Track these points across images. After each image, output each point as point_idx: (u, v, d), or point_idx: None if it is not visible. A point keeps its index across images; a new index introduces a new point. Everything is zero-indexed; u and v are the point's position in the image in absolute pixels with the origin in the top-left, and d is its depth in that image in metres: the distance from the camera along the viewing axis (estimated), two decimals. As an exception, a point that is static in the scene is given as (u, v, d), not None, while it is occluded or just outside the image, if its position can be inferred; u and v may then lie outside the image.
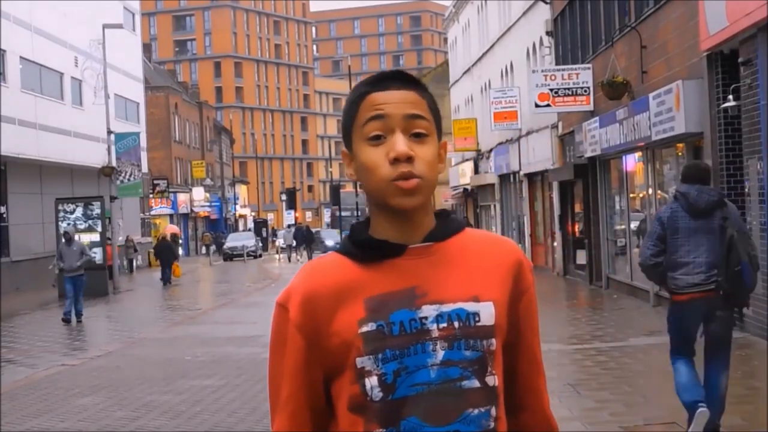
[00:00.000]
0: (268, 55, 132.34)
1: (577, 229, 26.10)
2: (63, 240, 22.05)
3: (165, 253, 35.47)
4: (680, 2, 15.55)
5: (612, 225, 22.45)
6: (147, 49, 72.47)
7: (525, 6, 31.27)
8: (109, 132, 34.80)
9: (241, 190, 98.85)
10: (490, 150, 38.05)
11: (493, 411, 1.95)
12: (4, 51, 33.27)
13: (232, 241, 59.60)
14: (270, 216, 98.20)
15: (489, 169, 39.00)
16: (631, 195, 20.62)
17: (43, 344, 17.76)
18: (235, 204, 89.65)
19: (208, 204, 76.02)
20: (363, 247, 1.99)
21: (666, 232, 7.23)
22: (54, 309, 26.19)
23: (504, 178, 37.21)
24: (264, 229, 75.89)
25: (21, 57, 34.78)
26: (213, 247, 60.67)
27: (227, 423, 9.47)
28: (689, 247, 7.15)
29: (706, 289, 7.09)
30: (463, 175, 46.06)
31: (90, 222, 30.49)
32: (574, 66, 23.43)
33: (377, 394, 1.91)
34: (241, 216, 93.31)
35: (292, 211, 72.47)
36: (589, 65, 22.60)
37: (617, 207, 21.98)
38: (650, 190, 18.49)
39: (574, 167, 24.00)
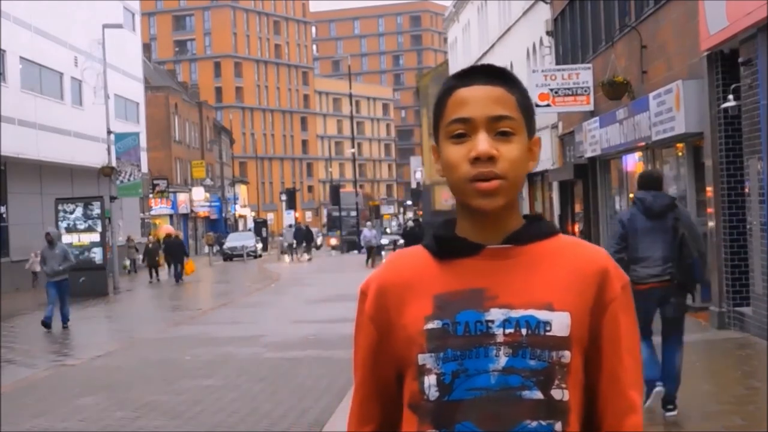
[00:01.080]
0: (268, 55, 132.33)
1: (577, 229, 26.10)
2: (45, 242, 20.08)
3: (176, 251, 36.69)
4: (680, 2, 15.54)
5: (612, 225, 22.42)
6: (147, 49, 72.49)
7: (525, 6, 31.28)
8: (109, 132, 34.80)
9: (241, 190, 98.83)
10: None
11: (558, 426, 1.85)
12: (4, 51, 33.27)
13: (232, 241, 59.61)
14: (270, 216, 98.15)
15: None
16: (631, 195, 20.60)
17: (43, 344, 17.76)
18: (235, 204, 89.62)
19: (207, 204, 76.00)
20: (441, 243, 1.95)
21: (627, 231, 8.23)
22: (54, 309, 26.16)
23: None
24: (264, 229, 75.86)
25: (21, 57, 34.79)
26: (216, 247, 60.72)
27: (227, 423, 9.47)
28: (647, 244, 8.14)
29: (662, 279, 8.14)
30: (463, 175, 46.02)
31: (90, 222, 30.49)
32: (574, 66, 23.43)
33: (434, 393, 1.87)
34: (240, 216, 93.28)
35: (292, 211, 72.41)
36: (589, 65, 22.60)
37: (617, 207, 21.97)
38: (650, 190, 18.46)
39: (574, 167, 24.00)
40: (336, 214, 70.53)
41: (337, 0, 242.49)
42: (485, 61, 41.54)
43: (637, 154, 19.39)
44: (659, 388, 8.14)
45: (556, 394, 1.86)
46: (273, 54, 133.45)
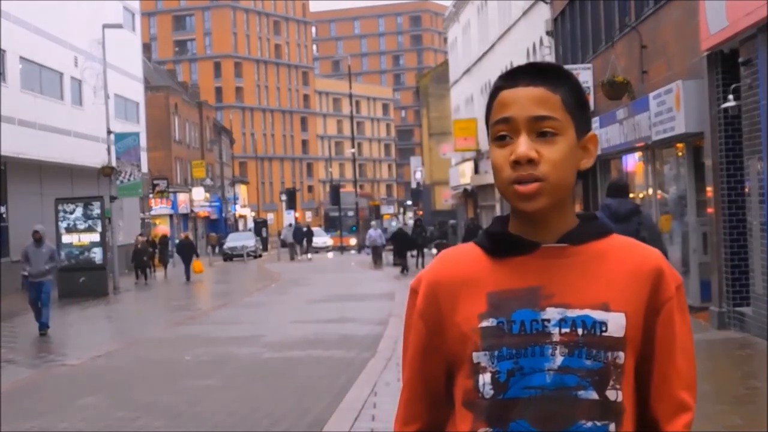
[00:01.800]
0: (268, 55, 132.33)
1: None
2: (32, 240, 19.01)
3: (186, 252, 37.78)
4: (680, 2, 15.54)
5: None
6: (147, 49, 72.48)
7: (525, 6, 31.28)
8: (109, 132, 34.80)
9: (241, 190, 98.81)
10: (490, 150, 38.03)
11: (612, 427, 1.85)
12: (4, 51, 33.27)
13: (232, 241, 59.63)
14: (270, 216, 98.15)
15: (489, 169, 38.97)
16: (631, 195, 20.60)
17: (43, 344, 17.76)
18: (235, 204, 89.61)
19: (207, 204, 75.99)
20: (495, 240, 1.94)
21: None
22: (54, 309, 26.17)
23: (504, 178, 37.15)
24: (264, 229, 75.88)
25: (21, 57, 34.78)
26: (218, 247, 60.84)
27: (227, 423, 9.47)
28: None
29: None
30: (463, 175, 46.06)
31: (90, 222, 30.50)
32: (574, 66, 23.42)
33: (488, 391, 1.87)
34: (241, 216, 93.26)
35: (292, 211, 72.39)
36: (589, 65, 22.59)
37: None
38: (650, 190, 18.49)
39: (574, 167, 23.98)
40: (334, 214, 70.46)
41: (337, 0, 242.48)
42: (486, 60, 41.57)
43: (637, 154, 19.39)
44: None
45: (611, 394, 1.86)
46: (273, 54, 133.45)
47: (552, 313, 1.86)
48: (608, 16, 21.31)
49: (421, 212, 76.54)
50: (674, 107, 15.12)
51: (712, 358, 12.14)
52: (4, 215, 32.99)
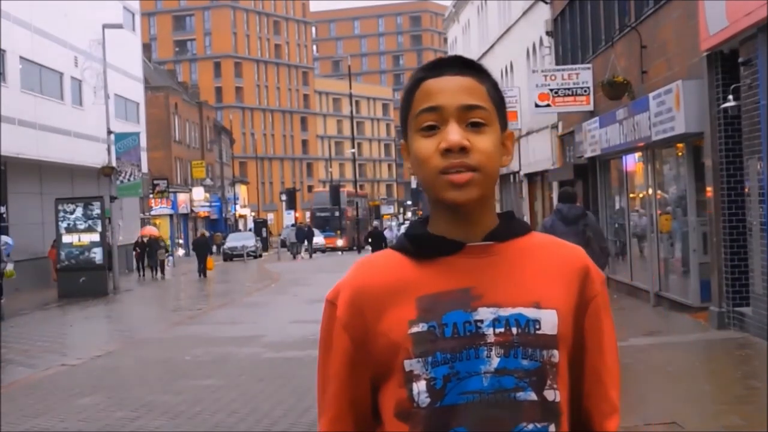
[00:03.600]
0: (268, 55, 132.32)
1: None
2: None
3: (201, 249, 39.72)
4: (680, 2, 15.54)
5: (612, 225, 22.45)
6: (147, 49, 72.46)
7: (525, 6, 31.28)
8: (109, 132, 34.79)
9: (241, 190, 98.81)
10: (490, 150, 38.03)
11: (552, 428, 1.80)
12: (4, 51, 33.26)
13: (232, 241, 59.65)
14: (270, 216, 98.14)
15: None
16: (631, 195, 20.62)
17: (43, 344, 17.76)
18: (235, 204, 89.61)
19: (208, 204, 75.99)
20: (418, 242, 1.86)
21: (548, 234, 10.97)
22: (54, 309, 26.20)
23: (504, 178, 37.21)
24: (264, 229, 75.88)
25: (21, 57, 34.78)
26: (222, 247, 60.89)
27: (227, 423, 9.47)
28: None
29: None
30: (463, 175, 46.06)
31: (90, 222, 30.50)
32: (574, 66, 23.43)
33: (424, 399, 1.78)
34: (241, 216, 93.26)
35: (292, 212, 72.40)
36: (589, 65, 22.60)
37: (617, 207, 21.98)
38: (650, 190, 18.49)
39: (574, 167, 24.00)
40: (321, 214, 69.76)
41: (337, 0, 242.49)
42: (486, 60, 41.59)
43: (637, 154, 19.39)
44: None
45: (549, 394, 1.80)
46: (273, 54, 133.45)
47: (485, 314, 1.80)
48: (608, 16, 21.31)
49: (420, 212, 76.54)
50: (674, 107, 15.12)
51: (712, 358, 12.15)
52: (4, 215, 32.98)
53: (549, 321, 1.81)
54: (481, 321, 1.80)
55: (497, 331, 1.79)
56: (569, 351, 1.86)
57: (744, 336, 12.93)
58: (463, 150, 1.79)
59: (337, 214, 69.03)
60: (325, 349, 1.90)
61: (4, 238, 30.45)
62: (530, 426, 1.78)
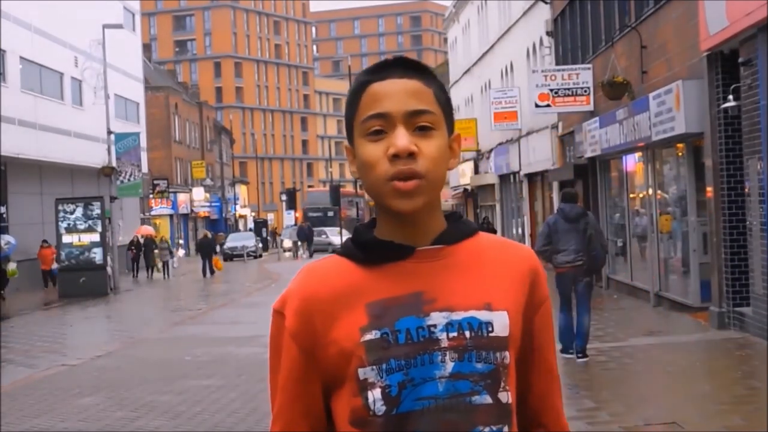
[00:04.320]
0: (268, 55, 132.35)
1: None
2: None
3: (205, 249, 40.37)
4: (680, 2, 15.55)
5: (612, 225, 22.45)
6: (147, 49, 72.48)
7: (525, 6, 31.28)
8: (109, 132, 34.80)
9: (241, 190, 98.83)
10: (490, 150, 38.07)
11: (506, 429, 1.80)
12: (4, 51, 33.27)
13: (232, 242, 59.67)
14: (270, 216, 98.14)
15: (489, 169, 39.01)
16: (631, 195, 20.62)
17: (43, 344, 17.77)
18: (235, 204, 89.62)
19: (208, 204, 75.99)
20: (366, 248, 1.83)
21: (551, 232, 11.73)
22: (54, 309, 26.20)
23: (504, 178, 37.21)
24: (264, 229, 75.86)
25: (21, 57, 34.79)
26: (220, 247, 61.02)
27: (227, 423, 9.47)
28: (565, 240, 11.67)
29: (575, 264, 11.72)
30: (463, 175, 46.08)
31: (90, 222, 30.50)
32: (574, 66, 23.43)
33: (380, 407, 1.76)
34: (241, 216, 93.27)
35: (292, 212, 72.35)
36: (589, 65, 22.60)
37: (617, 207, 21.98)
38: (650, 190, 18.49)
39: (574, 167, 24.00)
40: (313, 214, 69.15)
41: (337, 0, 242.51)
42: (486, 60, 41.59)
43: (637, 155, 19.39)
44: (570, 356, 11.85)
45: (503, 396, 1.80)
46: (273, 54, 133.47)
47: (437, 318, 1.78)
48: (608, 16, 21.31)
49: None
50: (674, 107, 15.12)
51: (712, 358, 12.15)
52: (4, 215, 32.99)
53: (501, 323, 1.81)
54: (434, 326, 1.77)
55: (451, 335, 1.77)
56: (518, 351, 1.86)
57: (744, 336, 12.93)
58: (411, 155, 1.76)
59: (330, 213, 68.57)
60: (274, 359, 1.87)
61: (7, 237, 30.51)
62: (486, 429, 1.78)
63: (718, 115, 13.78)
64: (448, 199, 53.11)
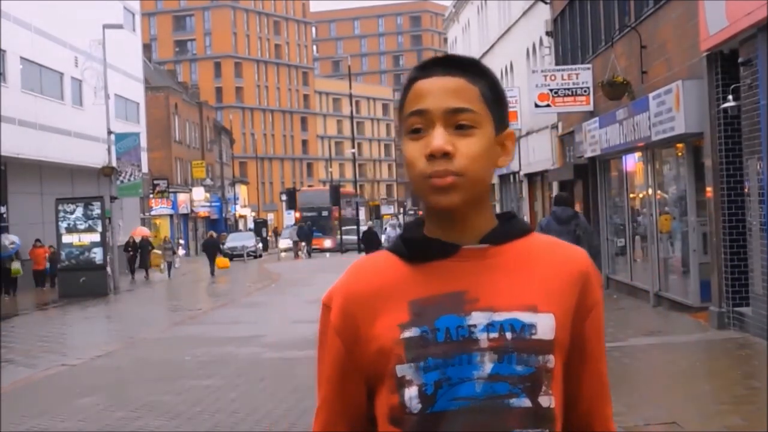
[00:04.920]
0: (268, 55, 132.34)
1: (577, 229, 26.04)
2: None
3: (210, 249, 41.46)
4: (680, 2, 15.54)
5: (612, 225, 22.45)
6: (147, 49, 72.46)
7: (525, 6, 31.28)
8: (109, 132, 34.81)
9: (241, 190, 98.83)
10: (490, 150, 38.02)
11: None
12: (4, 51, 33.28)
13: (232, 241, 59.68)
14: (270, 216, 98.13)
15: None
16: (631, 195, 20.62)
17: (43, 344, 17.77)
18: (235, 204, 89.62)
19: (208, 204, 75.99)
20: (412, 245, 1.83)
21: (543, 233, 12.47)
22: (54, 309, 26.20)
23: (504, 178, 37.22)
24: (264, 229, 75.84)
25: (21, 57, 34.80)
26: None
27: (227, 423, 9.47)
28: None
29: None
30: (463, 175, 46.05)
31: (90, 222, 30.50)
32: (574, 66, 23.42)
33: (416, 405, 1.75)
34: (241, 216, 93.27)
35: (292, 212, 72.32)
36: (589, 65, 22.59)
37: (617, 207, 21.98)
38: (650, 190, 18.49)
39: (574, 167, 24.00)
40: (309, 214, 68.93)
41: (337, 0, 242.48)
42: (486, 60, 41.62)
43: (637, 155, 19.39)
44: None
45: (544, 401, 1.76)
46: (273, 54, 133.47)
47: (478, 318, 1.76)
48: (608, 16, 21.31)
49: (421, 212, 76.31)
50: (674, 107, 15.12)
51: (712, 358, 12.15)
52: (4, 215, 33.00)
53: (545, 325, 1.77)
54: (475, 326, 1.76)
55: (491, 336, 1.75)
56: (565, 356, 1.82)
57: (744, 336, 12.93)
58: (446, 155, 1.76)
59: (325, 213, 68.34)
60: (321, 353, 1.89)
61: (12, 237, 30.58)
62: None
63: (717, 115, 13.78)
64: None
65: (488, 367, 1.74)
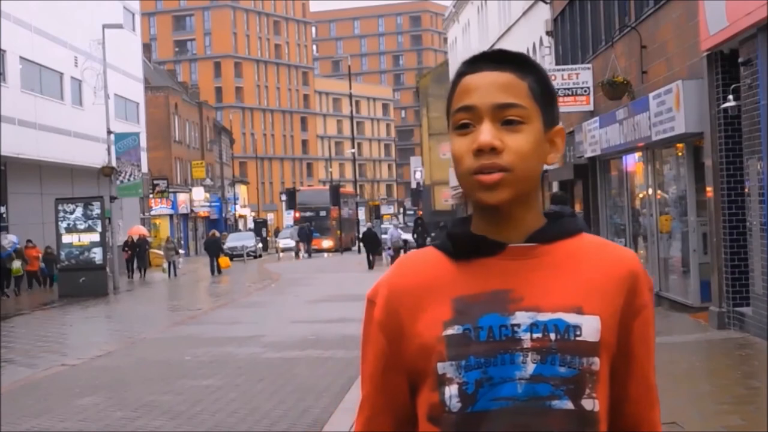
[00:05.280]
0: (268, 55, 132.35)
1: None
2: None
3: (212, 248, 41.68)
4: (680, 2, 15.54)
5: (612, 225, 22.45)
6: (147, 49, 72.49)
7: (525, 6, 31.29)
8: (109, 132, 34.82)
9: (241, 190, 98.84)
10: (490, 150, 38.04)
11: None
12: (4, 51, 33.28)
13: (232, 241, 59.70)
14: (270, 216, 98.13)
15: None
16: (632, 195, 20.61)
17: (43, 344, 17.76)
18: (235, 204, 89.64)
19: (207, 204, 76.02)
20: (458, 241, 1.80)
21: None
22: (53, 309, 26.20)
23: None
24: (264, 229, 75.88)
25: (21, 57, 34.80)
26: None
27: (227, 423, 9.47)
28: None
29: None
30: (463, 175, 46.04)
31: (90, 222, 30.50)
32: (574, 66, 23.42)
33: (455, 404, 1.72)
34: (241, 216, 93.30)
35: (292, 211, 72.33)
36: (589, 65, 22.59)
37: (617, 207, 21.98)
38: (650, 190, 18.49)
39: (574, 167, 24.01)
40: (307, 213, 68.88)
41: (337, 0, 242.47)
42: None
43: (637, 154, 19.40)
44: None
45: (587, 404, 1.73)
46: (273, 54, 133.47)
47: (522, 318, 1.73)
48: (608, 16, 21.31)
49: (420, 212, 76.53)
50: (674, 107, 15.12)
51: (712, 358, 12.14)
52: (4, 215, 32.99)
53: (591, 327, 1.74)
54: (518, 325, 1.73)
55: (534, 336, 1.73)
56: (612, 359, 1.79)
57: (744, 336, 12.93)
58: (494, 150, 1.73)
59: (323, 213, 68.20)
60: (365, 348, 1.87)
61: (10, 236, 30.61)
62: None
63: (718, 115, 13.78)
64: (448, 199, 53.16)
65: (530, 367, 1.72)
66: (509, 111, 1.75)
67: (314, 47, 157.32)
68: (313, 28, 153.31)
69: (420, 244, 37.50)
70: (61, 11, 37.63)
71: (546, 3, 27.80)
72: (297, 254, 55.66)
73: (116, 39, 39.46)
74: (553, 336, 1.73)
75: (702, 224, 15.61)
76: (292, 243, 58.69)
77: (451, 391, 1.73)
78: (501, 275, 1.77)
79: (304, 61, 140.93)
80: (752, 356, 11.64)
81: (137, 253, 40.70)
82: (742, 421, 8.24)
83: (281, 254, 59.24)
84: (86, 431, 9.49)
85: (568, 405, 1.72)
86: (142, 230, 44.85)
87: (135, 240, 41.25)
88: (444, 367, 1.74)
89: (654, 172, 18.42)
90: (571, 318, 1.74)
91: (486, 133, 1.73)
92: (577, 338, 1.73)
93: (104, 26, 34.49)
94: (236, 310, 22.77)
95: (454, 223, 1.86)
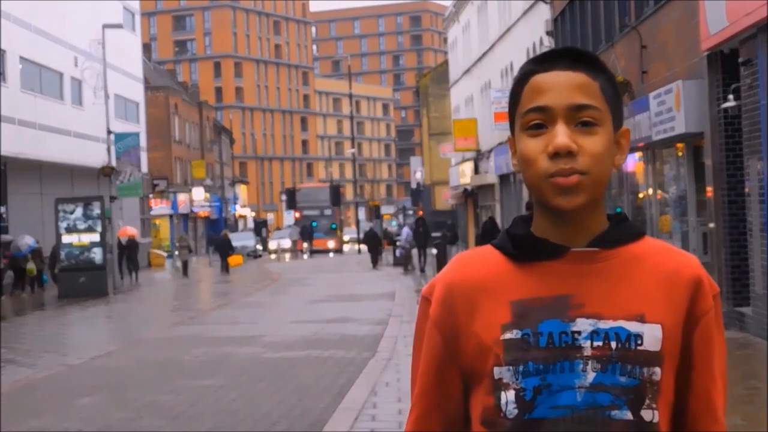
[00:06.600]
0: (268, 55, 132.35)
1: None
2: None
3: (222, 248, 42.41)
4: (680, 2, 15.55)
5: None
6: (147, 49, 72.48)
7: (525, 6, 31.30)
8: (109, 132, 34.81)
9: (241, 190, 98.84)
10: (491, 150, 38.07)
11: None
12: (4, 51, 33.28)
13: (232, 241, 59.64)
14: (270, 216, 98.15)
15: (489, 169, 39.01)
16: (631, 195, 20.62)
17: (43, 344, 17.76)
18: (235, 204, 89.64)
19: (207, 204, 76.00)
20: (519, 243, 1.76)
21: None
22: (54, 309, 26.20)
23: (504, 178, 37.22)
24: (264, 229, 75.89)
25: (21, 57, 34.80)
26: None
27: (227, 423, 9.47)
28: None
29: None
30: (463, 175, 46.08)
31: (90, 222, 30.49)
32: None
33: (512, 410, 1.69)
34: (241, 216, 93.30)
35: (292, 211, 72.34)
36: (589, 65, 22.59)
37: (616, 207, 21.97)
38: (650, 190, 18.49)
39: (574, 167, 24.01)
40: (309, 213, 68.70)
41: (337, 0, 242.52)
42: (486, 60, 41.60)
43: (637, 154, 19.40)
44: None
45: (647, 415, 1.69)
46: (273, 54, 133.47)
47: (583, 325, 1.69)
48: (608, 16, 21.32)
49: (420, 212, 76.59)
50: (674, 107, 15.12)
51: (712, 358, 12.13)
52: (4, 215, 33.00)
53: (652, 336, 1.70)
54: (579, 332, 1.69)
55: (595, 344, 1.68)
56: (675, 369, 1.74)
57: (744, 336, 12.93)
58: (570, 154, 1.68)
59: (328, 212, 68.13)
60: (418, 346, 1.82)
61: (27, 238, 30.86)
62: None
63: (718, 115, 13.78)
64: (448, 199, 53.15)
65: (591, 376, 1.68)
66: (584, 112, 1.71)
67: (314, 47, 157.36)
68: (313, 28, 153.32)
69: (421, 244, 37.42)
70: (61, 11, 37.64)
71: (546, 3, 27.80)
72: (296, 253, 55.55)
73: (116, 39, 39.47)
74: (614, 344, 1.69)
75: (702, 224, 15.61)
76: (287, 243, 58.52)
77: (508, 396, 1.70)
78: (562, 280, 1.72)
79: (304, 61, 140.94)
80: (752, 356, 11.64)
81: (127, 255, 38.63)
82: (742, 421, 8.24)
83: (273, 255, 59.25)
84: (86, 431, 9.49)
85: (628, 416, 1.68)
86: (131, 231, 43.28)
87: (124, 242, 39.72)
88: (501, 372, 1.70)
89: (654, 172, 18.42)
90: (632, 326, 1.70)
91: (563, 135, 1.69)
92: (639, 347, 1.69)
93: (104, 26, 34.48)
94: (236, 310, 22.77)
95: (514, 223, 1.82)
